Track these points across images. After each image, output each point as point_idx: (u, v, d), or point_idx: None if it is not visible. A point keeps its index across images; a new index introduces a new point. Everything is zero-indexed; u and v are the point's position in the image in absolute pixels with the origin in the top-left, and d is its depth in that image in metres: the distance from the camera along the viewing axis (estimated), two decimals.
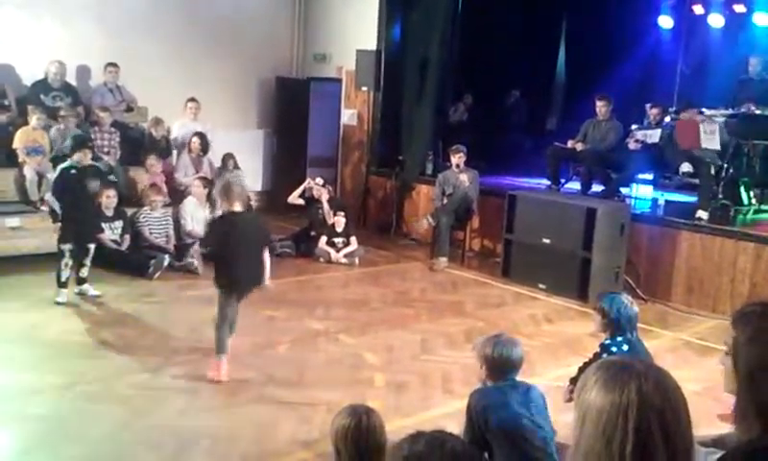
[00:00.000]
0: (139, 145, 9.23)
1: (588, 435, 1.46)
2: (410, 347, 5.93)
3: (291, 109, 11.62)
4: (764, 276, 7.01)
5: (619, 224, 7.63)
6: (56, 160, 7.55)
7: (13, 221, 7.61)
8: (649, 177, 9.45)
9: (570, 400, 4.09)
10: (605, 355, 3.96)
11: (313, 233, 8.94)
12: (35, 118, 8.25)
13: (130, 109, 9.61)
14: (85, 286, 6.72)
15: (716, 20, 11.03)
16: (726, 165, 8.15)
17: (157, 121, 9.31)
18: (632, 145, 8.56)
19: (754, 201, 8.45)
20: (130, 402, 4.56)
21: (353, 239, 8.81)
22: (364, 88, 10.59)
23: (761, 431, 1.74)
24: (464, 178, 8.92)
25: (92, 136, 8.37)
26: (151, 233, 8.10)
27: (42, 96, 8.82)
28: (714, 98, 9.19)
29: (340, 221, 8.77)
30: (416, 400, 4.90)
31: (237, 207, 5.10)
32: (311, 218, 9.11)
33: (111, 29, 9.66)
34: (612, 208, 7.83)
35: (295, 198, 9.14)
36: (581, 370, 4.04)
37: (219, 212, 5.49)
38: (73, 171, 6.47)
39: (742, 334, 1.82)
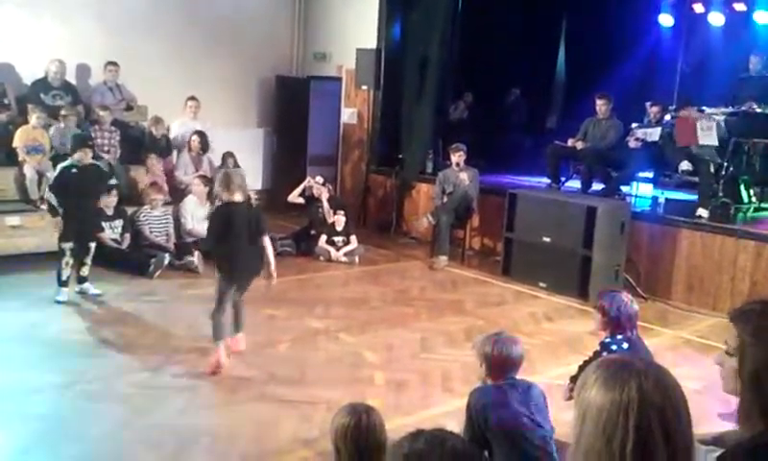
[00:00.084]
0: (139, 144, 9.23)
1: (589, 433, 1.46)
2: (410, 345, 5.93)
3: (291, 107, 11.61)
4: (764, 274, 7.01)
5: (619, 222, 7.63)
6: (56, 160, 7.55)
7: (14, 220, 7.61)
8: (649, 175, 9.45)
9: (570, 398, 4.08)
10: (605, 354, 3.96)
11: (313, 232, 8.95)
12: (34, 117, 8.25)
13: (130, 108, 9.61)
14: (86, 285, 6.73)
15: (716, 18, 11.02)
16: (726, 163, 8.15)
17: (157, 120, 9.31)
18: (632, 143, 8.56)
19: (754, 199, 8.45)
20: (130, 401, 4.56)
21: (353, 238, 8.81)
22: (364, 87, 10.59)
23: (764, 428, 1.74)
24: (464, 176, 8.92)
25: (92, 135, 8.37)
26: (151, 232, 8.11)
27: (42, 95, 8.81)
28: (715, 96, 9.17)
29: (340, 220, 8.77)
30: (416, 398, 4.90)
31: (237, 198, 5.18)
32: (311, 217, 9.11)
33: (111, 27, 9.66)
34: (613, 207, 7.83)
35: (295, 197, 9.14)
36: (581, 368, 4.04)
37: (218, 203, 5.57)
38: (74, 170, 6.47)
39: (745, 333, 1.82)
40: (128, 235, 7.96)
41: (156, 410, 4.47)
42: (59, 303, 6.41)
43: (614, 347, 4.00)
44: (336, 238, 8.74)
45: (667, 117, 8.97)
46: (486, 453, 3.11)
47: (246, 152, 10.28)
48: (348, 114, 11.46)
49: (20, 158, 8.04)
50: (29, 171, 7.94)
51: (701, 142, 7.92)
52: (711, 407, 4.07)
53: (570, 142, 8.97)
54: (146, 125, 9.47)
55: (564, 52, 13.19)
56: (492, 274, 8.44)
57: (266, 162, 11.85)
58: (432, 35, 10.29)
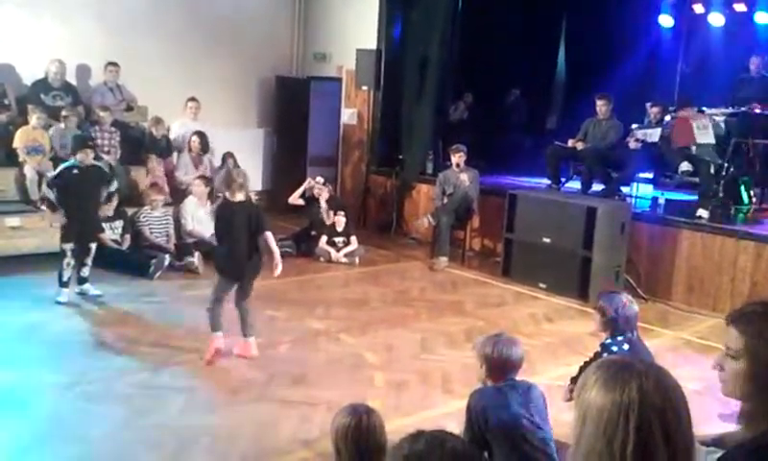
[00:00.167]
0: (140, 144, 9.23)
1: (589, 434, 1.46)
2: (410, 346, 5.93)
3: (291, 108, 11.62)
4: (765, 275, 7.01)
5: (620, 223, 7.63)
6: (56, 162, 7.56)
7: (14, 220, 7.61)
8: (649, 176, 9.45)
9: (570, 399, 4.09)
10: (605, 355, 3.96)
11: (313, 233, 8.95)
12: (35, 118, 8.26)
13: (130, 109, 9.61)
14: (86, 286, 6.73)
15: (717, 19, 11.02)
16: (726, 164, 8.15)
17: (158, 120, 9.31)
18: (632, 144, 8.55)
19: (754, 200, 8.45)
20: (130, 402, 4.56)
21: (353, 239, 8.81)
22: (364, 88, 10.59)
23: (766, 429, 1.74)
24: (464, 177, 8.92)
25: (92, 136, 8.37)
26: (151, 233, 8.11)
27: (42, 95, 8.82)
28: (715, 97, 9.18)
29: (340, 220, 8.77)
30: (416, 399, 4.90)
31: (238, 197, 5.23)
32: (311, 218, 9.11)
33: (111, 28, 9.67)
34: (613, 207, 7.83)
35: (295, 198, 9.14)
36: (582, 369, 4.04)
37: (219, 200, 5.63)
38: (75, 171, 6.48)
39: (749, 335, 1.81)
40: (128, 236, 7.96)
41: (156, 410, 4.47)
42: (59, 303, 6.41)
43: (615, 348, 4.01)
44: (336, 239, 8.74)
45: (667, 118, 8.96)
46: (486, 454, 3.11)
47: (246, 152, 10.28)
48: (348, 115, 11.46)
49: (20, 159, 8.04)
50: (29, 172, 7.94)
51: (698, 141, 7.93)
52: (712, 408, 4.06)
53: (570, 143, 8.97)
54: (146, 126, 9.47)
55: (564, 52, 13.19)
56: (492, 275, 8.44)
57: (266, 163, 11.85)
58: (432, 35, 10.29)
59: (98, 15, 9.59)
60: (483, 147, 10.83)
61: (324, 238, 8.73)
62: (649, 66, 11.42)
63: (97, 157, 7.40)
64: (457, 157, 8.98)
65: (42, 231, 7.52)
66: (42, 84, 8.87)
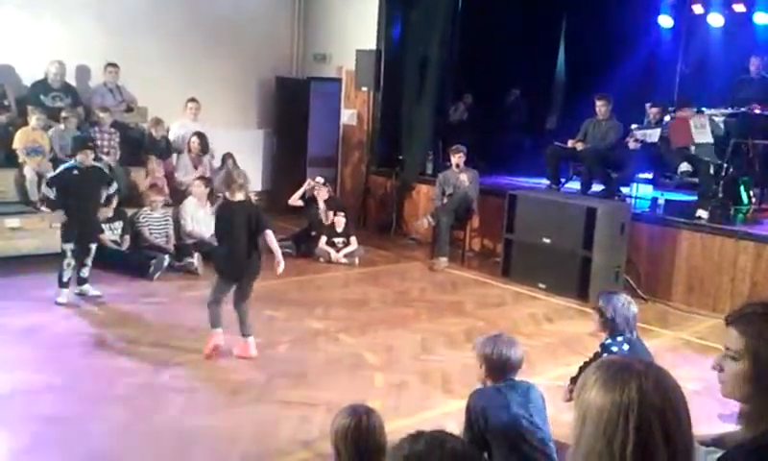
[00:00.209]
0: (139, 145, 9.23)
1: (589, 435, 1.46)
2: (410, 346, 5.93)
3: (291, 108, 11.62)
4: (765, 275, 7.01)
5: (619, 223, 7.63)
6: (56, 162, 7.56)
7: (13, 221, 7.62)
8: (649, 176, 9.45)
9: (570, 399, 4.09)
10: (605, 355, 3.96)
11: (313, 233, 8.95)
12: (34, 118, 8.26)
13: (130, 110, 9.61)
14: (86, 286, 6.72)
15: (716, 19, 11.02)
16: (726, 164, 8.15)
17: (157, 121, 9.31)
18: (631, 144, 8.56)
19: (753, 200, 8.45)
20: (130, 402, 4.56)
21: (353, 239, 8.82)
22: (364, 88, 10.59)
23: (766, 429, 1.74)
24: (464, 177, 8.92)
25: (92, 137, 8.37)
26: (151, 234, 8.11)
27: (42, 96, 8.82)
28: (714, 97, 9.18)
29: (340, 221, 8.77)
30: (416, 399, 4.90)
31: (238, 197, 5.27)
32: (310, 218, 9.11)
33: (111, 28, 9.67)
34: (613, 208, 7.83)
35: (295, 200, 9.14)
36: (581, 369, 4.04)
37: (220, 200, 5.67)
38: (75, 172, 6.48)
39: (750, 336, 1.81)
40: (127, 237, 7.97)
41: (156, 411, 4.47)
42: (59, 304, 6.40)
43: (615, 348, 4.01)
44: (336, 239, 8.74)
45: (667, 118, 8.96)
46: (485, 455, 3.11)
47: (246, 153, 10.28)
48: (347, 115, 11.46)
49: (20, 160, 8.05)
50: (29, 173, 7.95)
51: (696, 140, 7.94)
52: (711, 408, 4.06)
53: (570, 143, 8.97)
54: (146, 126, 9.47)
55: (563, 52, 13.19)
56: (491, 275, 8.44)
57: (266, 163, 11.85)
58: (432, 35, 10.30)
59: (98, 16, 9.60)
60: (483, 147, 10.83)
61: (323, 239, 8.73)
62: (649, 67, 11.42)
63: (97, 159, 7.41)
64: (457, 158, 8.98)
65: (42, 232, 7.53)
66: (42, 86, 8.87)
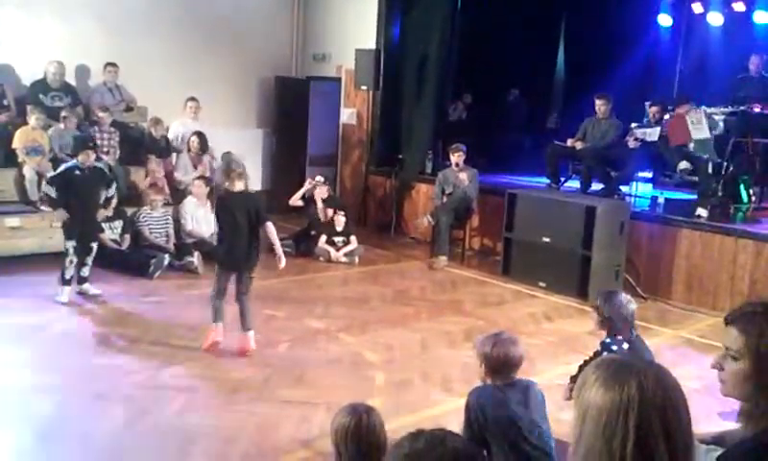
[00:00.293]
0: (139, 145, 9.23)
1: (589, 433, 1.46)
2: (410, 345, 5.94)
3: (291, 108, 11.62)
4: (764, 273, 7.02)
5: (619, 222, 7.63)
6: (56, 162, 7.56)
7: (13, 221, 7.62)
8: (648, 175, 9.47)
9: (570, 398, 4.09)
10: (605, 354, 3.96)
11: (313, 233, 8.95)
12: (34, 118, 8.26)
13: (129, 109, 9.61)
14: (86, 285, 6.73)
15: (715, 18, 11.02)
16: (725, 163, 8.15)
17: (157, 121, 9.32)
18: (631, 143, 8.56)
19: (753, 198, 8.46)
20: (130, 401, 4.56)
21: (353, 238, 8.82)
22: (363, 88, 10.59)
23: (767, 427, 1.74)
24: (463, 176, 8.93)
25: (92, 136, 8.37)
26: (151, 233, 8.11)
27: (41, 96, 8.82)
28: (714, 96, 9.18)
29: (339, 220, 8.78)
30: (416, 398, 4.90)
31: (238, 186, 5.31)
32: (310, 218, 9.12)
33: (111, 27, 9.67)
34: (612, 207, 7.84)
35: (296, 200, 9.15)
36: (581, 368, 4.04)
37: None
38: (77, 172, 6.49)
39: (751, 335, 1.81)
40: (127, 236, 7.97)
41: (157, 410, 4.47)
42: (59, 303, 6.41)
43: (615, 347, 4.01)
44: (336, 238, 8.74)
45: (666, 117, 8.97)
46: (485, 453, 3.11)
47: (245, 152, 10.16)
48: (347, 115, 11.46)
49: (20, 160, 8.05)
50: (28, 172, 7.95)
51: (694, 137, 7.94)
52: (711, 407, 4.07)
53: (570, 142, 8.98)
54: (145, 126, 9.48)
55: (563, 52, 13.20)
56: (491, 274, 8.44)
57: (265, 163, 11.85)
58: (432, 35, 10.30)
59: (98, 15, 9.59)
60: (482, 146, 10.84)
61: (323, 238, 8.73)
62: (648, 66, 11.44)
63: (97, 158, 7.41)
64: (456, 157, 8.98)
65: (42, 232, 7.54)
66: (41, 85, 8.87)
